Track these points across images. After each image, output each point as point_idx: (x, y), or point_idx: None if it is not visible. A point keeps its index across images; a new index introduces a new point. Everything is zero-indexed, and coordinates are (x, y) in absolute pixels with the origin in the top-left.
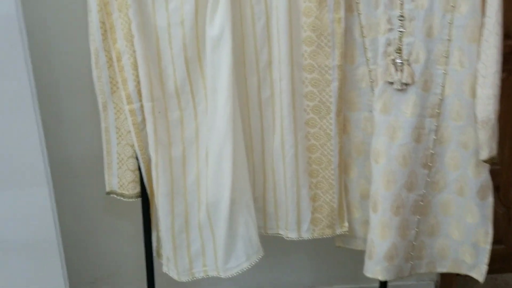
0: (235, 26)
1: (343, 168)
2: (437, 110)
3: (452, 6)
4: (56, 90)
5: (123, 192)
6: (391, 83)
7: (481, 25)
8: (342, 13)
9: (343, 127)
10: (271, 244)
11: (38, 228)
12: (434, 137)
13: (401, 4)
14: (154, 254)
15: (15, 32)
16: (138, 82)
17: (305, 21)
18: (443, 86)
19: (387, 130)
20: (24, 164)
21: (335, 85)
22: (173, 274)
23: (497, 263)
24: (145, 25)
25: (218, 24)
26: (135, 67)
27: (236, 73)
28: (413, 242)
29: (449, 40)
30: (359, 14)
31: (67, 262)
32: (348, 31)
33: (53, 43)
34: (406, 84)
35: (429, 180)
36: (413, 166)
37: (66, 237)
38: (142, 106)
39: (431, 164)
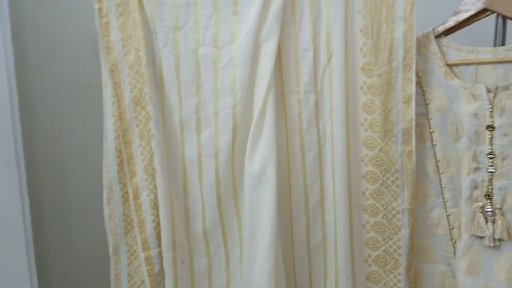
0: (280, 159)
1: None
2: None
3: None
4: (63, 214)
5: None
6: (480, 237)
7: None
8: (413, 144)
9: (414, 282)
10: None
11: None
12: None
13: (491, 138)
14: None
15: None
16: (158, 223)
17: (366, 153)
18: None
19: None
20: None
21: (405, 233)
22: None
23: None
24: (171, 156)
25: (260, 158)
26: (156, 205)
27: (281, 213)
28: None
29: None
30: (433, 145)
31: None
32: (419, 166)
33: (62, 162)
34: (500, 240)
35: None
36: None
37: None
38: (160, 252)
39: None
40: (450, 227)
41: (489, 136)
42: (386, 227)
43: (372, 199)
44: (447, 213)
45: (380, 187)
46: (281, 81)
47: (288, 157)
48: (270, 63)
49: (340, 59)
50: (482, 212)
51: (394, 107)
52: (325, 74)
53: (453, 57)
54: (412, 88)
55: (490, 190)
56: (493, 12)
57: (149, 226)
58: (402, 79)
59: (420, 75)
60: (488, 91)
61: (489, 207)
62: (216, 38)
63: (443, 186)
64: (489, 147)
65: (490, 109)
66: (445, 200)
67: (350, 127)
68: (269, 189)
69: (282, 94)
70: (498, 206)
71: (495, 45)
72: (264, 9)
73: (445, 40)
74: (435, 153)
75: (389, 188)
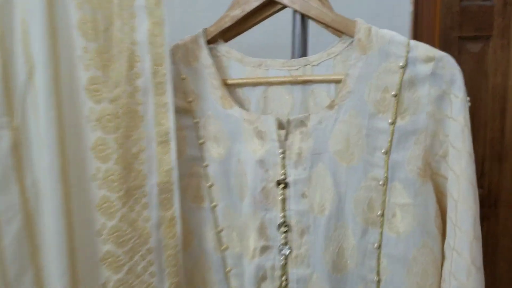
0: None
1: None
2: None
3: (380, 215)
4: None
5: None
6: None
7: (441, 265)
8: (176, 208)
9: None
10: None
11: None
12: None
13: (284, 200)
14: None
15: None
16: None
17: (104, 223)
18: None
19: None
20: None
21: None
22: None
23: None
24: None
25: None
26: None
27: None
28: None
29: (378, 281)
30: (213, 206)
31: None
32: (196, 238)
33: None
34: None
35: None
36: None
37: None
38: None
39: None
40: None
41: (281, 196)
42: None
43: None
44: None
45: (126, 276)
46: None
47: None
48: None
49: (46, 73)
50: None
51: (143, 151)
52: (26, 98)
53: (237, 73)
54: (170, 121)
55: (284, 283)
56: (284, 6)
57: None
58: (154, 106)
59: (191, 99)
60: (281, 126)
61: None
62: None
63: (228, 269)
64: (281, 214)
65: (282, 155)
66: None
67: (73, 183)
68: None
69: None
70: None
71: (293, 56)
72: None
73: (224, 47)
74: (215, 218)
75: (140, 278)
